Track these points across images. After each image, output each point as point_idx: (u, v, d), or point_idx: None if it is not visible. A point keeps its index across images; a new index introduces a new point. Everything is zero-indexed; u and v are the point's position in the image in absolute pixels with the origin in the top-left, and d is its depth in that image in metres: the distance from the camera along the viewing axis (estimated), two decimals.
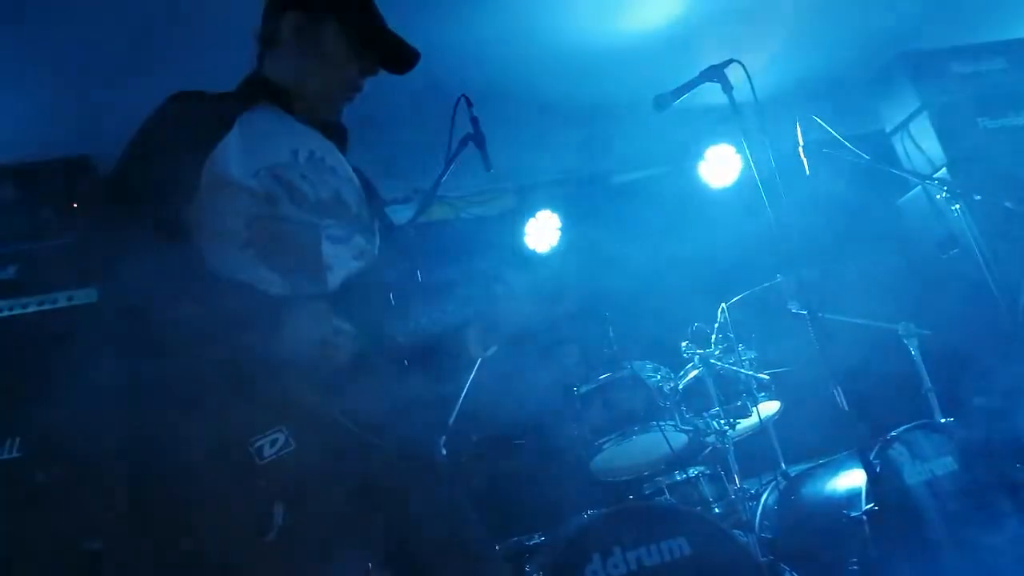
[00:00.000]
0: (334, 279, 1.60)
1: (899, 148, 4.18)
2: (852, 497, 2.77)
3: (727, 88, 2.68)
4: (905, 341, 3.35)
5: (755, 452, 3.58)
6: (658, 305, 3.92)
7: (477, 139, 2.43)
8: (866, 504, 2.68)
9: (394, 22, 1.90)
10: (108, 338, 1.45)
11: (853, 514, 2.71)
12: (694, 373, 3.38)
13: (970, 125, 3.95)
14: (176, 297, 1.38)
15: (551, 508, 3.24)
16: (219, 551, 1.29)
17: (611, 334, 3.58)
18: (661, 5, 3.76)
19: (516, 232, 4.68)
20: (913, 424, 2.99)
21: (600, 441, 3.22)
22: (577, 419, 3.34)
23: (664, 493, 3.31)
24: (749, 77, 2.64)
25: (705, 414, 3.31)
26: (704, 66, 2.73)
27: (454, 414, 2.91)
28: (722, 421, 3.25)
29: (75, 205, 2.89)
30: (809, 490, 3.15)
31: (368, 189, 1.89)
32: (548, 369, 3.53)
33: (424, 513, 1.53)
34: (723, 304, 3.47)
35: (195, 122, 1.58)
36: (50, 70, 3.22)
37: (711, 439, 3.31)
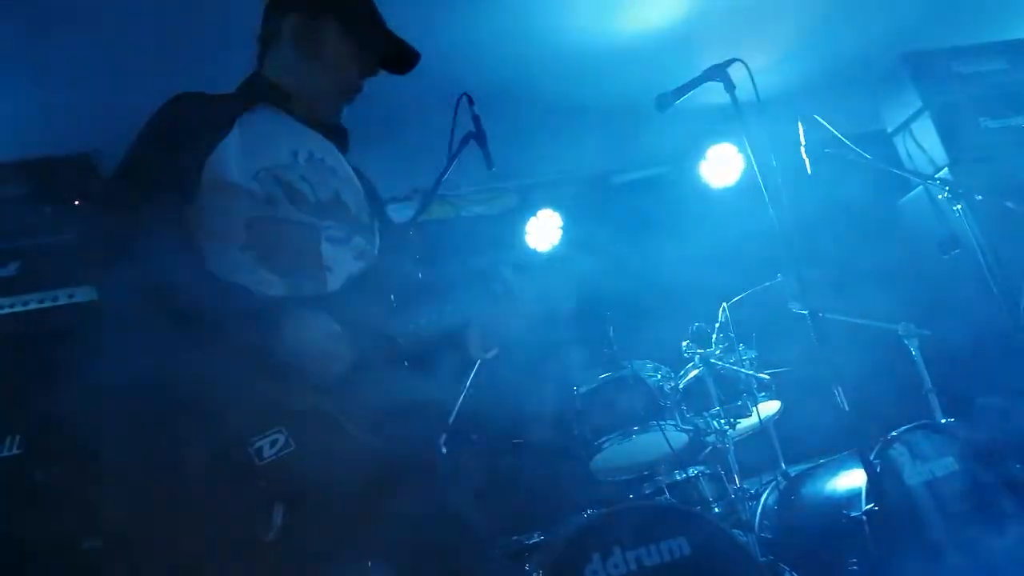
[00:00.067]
0: (334, 280, 1.60)
1: (901, 148, 4.18)
2: (852, 497, 2.77)
3: (729, 87, 2.67)
4: (906, 341, 3.35)
5: (755, 452, 3.58)
6: (659, 304, 3.92)
7: (479, 137, 2.43)
8: (866, 504, 2.68)
9: (396, 22, 1.90)
10: (108, 337, 1.45)
11: (853, 514, 2.71)
12: (694, 372, 3.38)
13: (972, 125, 3.94)
14: (176, 298, 1.38)
15: (551, 507, 3.24)
16: (219, 551, 1.29)
17: (611, 333, 3.58)
18: (663, 5, 3.76)
19: (517, 231, 4.68)
20: (913, 424, 2.99)
21: (600, 440, 3.22)
22: (577, 418, 3.34)
23: (664, 493, 3.31)
24: (752, 76, 2.64)
25: (705, 413, 3.31)
26: (706, 66, 2.72)
27: (454, 414, 2.91)
28: (722, 421, 3.25)
29: (77, 203, 2.88)
30: (809, 490, 3.15)
31: (368, 190, 1.89)
32: (548, 368, 3.52)
33: (424, 513, 1.53)
34: (724, 304, 3.47)
35: (196, 123, 1.58)
36: (53, 67, 3.23)
37: (711, 439, 3.31)
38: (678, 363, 3.48)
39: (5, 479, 2.47)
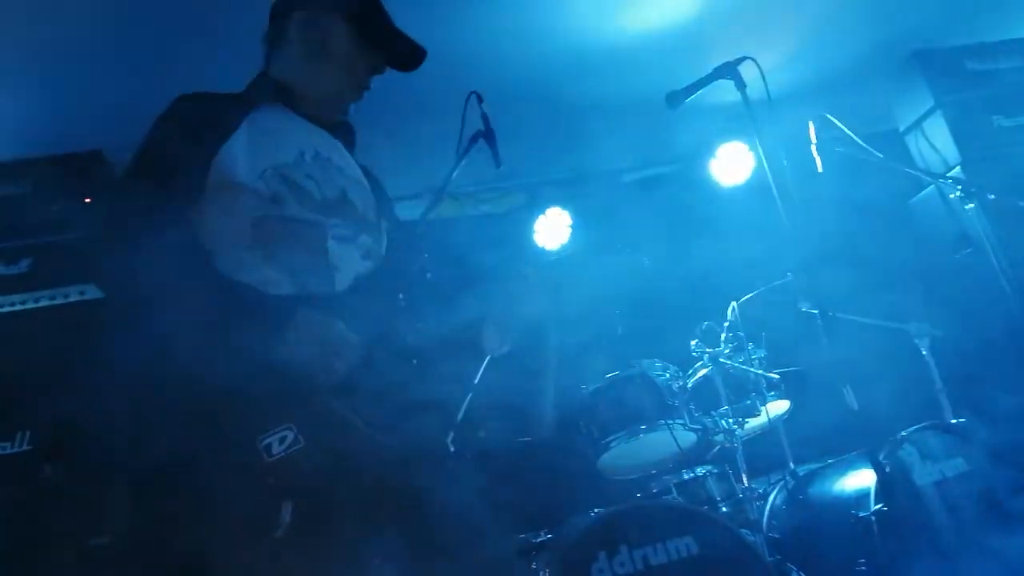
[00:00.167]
0: (342, 279, 1.61)
1: (913, 147, 4.15)
2: (861, 497, 2.76)
3: (740, 85, 2.66)
4: (916, 341, 3.33)
5: (763, 451, 3.57)
6: (668, 303, 3.91)
7: (488, 136, 2.42)
8: (875, 504, 2.67)
9: (406, 20, 1.90)
10: (117, 335, 1.46)
11: (862, 514, 2.70)
12: (703, 371, 3.37)
13: (985, 124, 3.91)
14: (183, 295, 1.39)
15: (558, 506, 3.24)
16: (227, 548, 1.30)
17: (620, 332, 3.57)
18: (674, 2, 3.74)
19: (526, 230, 4.68)
20: (923, 424, 2.98)
21: (608, 439, 3.22)
22: (585, 417, 3.33)
23: (672, 492, 3.30)
24: (763, 74, 2.63)
25: (714, 413, 3.30)
26: (717, 64, 2.72)
27: (462, 411, 2.91)
28: (731, 420, 3.24)
29: (88, 200, 2.90)
30: (817, 490, 3.14)
31: (376, 188, 1.89)
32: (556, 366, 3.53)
33: (432, 511, 1.53)
34: (733, 302, 3.46)
35: (202, 122, 1.58)
36: (64, 65, 3.24)
37: (719, 438, 3.30)
38: (687, 362, 3.47)
39: (14, 475, 2.49)
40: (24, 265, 2.80)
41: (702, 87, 2.74)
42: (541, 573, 2.64)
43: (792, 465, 3.48)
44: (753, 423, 3.34)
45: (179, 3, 3.06)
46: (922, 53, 4.04)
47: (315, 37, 1.78)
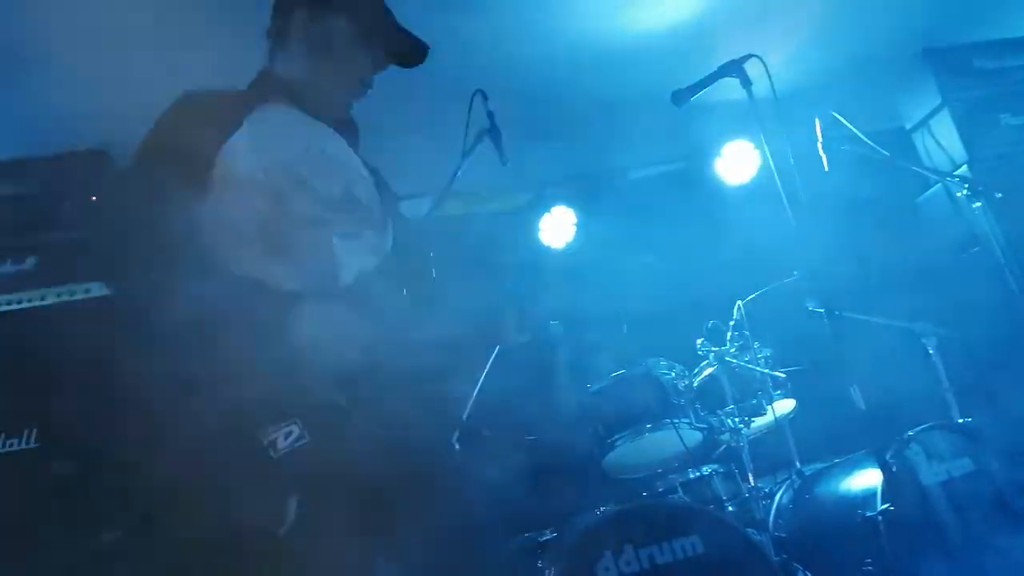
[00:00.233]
0: (346, 275, 1.61)
1: (919, 145, 4.14)
2: (867, 497, 2.75)
3: (746, 83, 2.66)
4: (923, 340, 3.33)
5: (770, 450, 3.56)
6: (673, 302, 3.90)
7: (493, 133, 2.42)
8: (881, 504, 2.66)
9: (411, 18, 1.89)
10: (123, 331, 1.46)
11: (868, 514, 2.69)
12: (709, 370, 3.37)
13: (992, 122, 3.90)
14: (188, 291, 1.39)
15: (563, 504, 3.23)
16: (233, 543, 1.30)
17: (625, 330, 3.57)
18: (680, 0, 3.73)
19: (531, 228, 4.67)
20: (930, 424, 2.96)
21: (613, 438, 3.21)
22: (591, 416, 3.33)
23: (677, 491, 3.29)
24: (768, 72, 2.62)
25: (720, 412, 3.29)
26: (722, 61, 2.71)
27: (467, 410, 2.91)
28: (737, 419, 3.23)
29: (93, 198, 2.90)
30: (824, 489, 3.13)
31: (381, 185, 1.89)
32: (561, 366, 3.52)
33: (435, 509, 1.53)
34: (739, 301, 3.45)
35: (206, 118, 1.59)
36: (68, 63, 3.24)
37: (725, 437, 3.30)
38: (692, 361, 3.46)
39: (22, 472, 2.50)
40: (30, 263, 2.81)
41: (707, 85, 2.73)
42: (547, 572, 2.64)
43: (798, 464, 3.47)
44: (759, 422, 3.34)
45: (182, 1, 3.06)
46: (929, 51, 4.03)
47: (318, 34, 1.78)
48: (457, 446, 2.39)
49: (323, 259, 1.59)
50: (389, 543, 1.51)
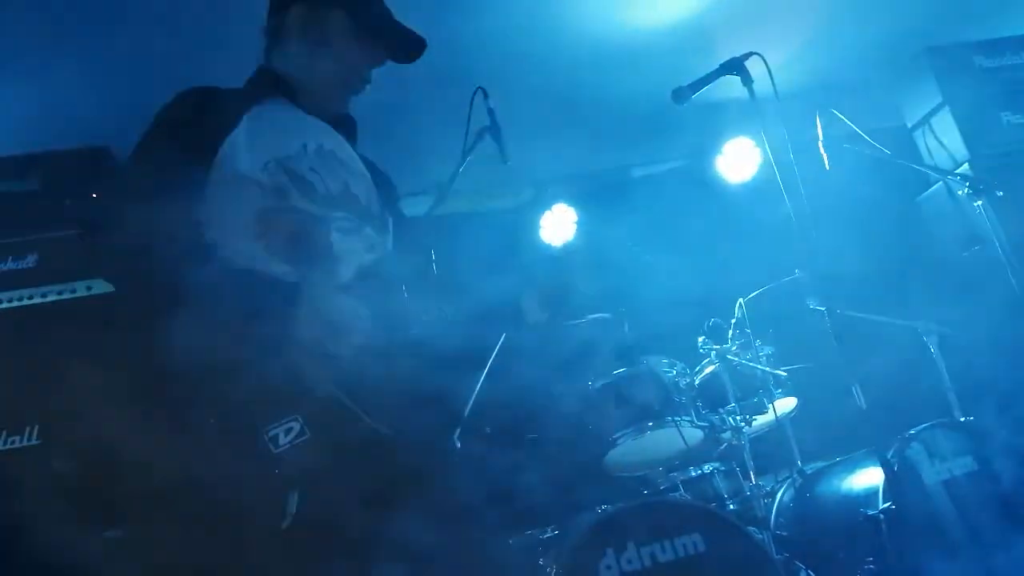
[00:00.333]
0: (345, 271, 1.61)
1: (921, 143, 4.13)
2: (869, 495, 2.75)
3: (747, 81, 2.65)
4: (925, 338, 3.32)
5: (771, 449, 3.56)
6: (675, 300, 3.90)
7: (494, 131, 2.42)
8: (883, 503, 2.66)
9: (411, 15, 1.89)
10: (123, 326, 1.46)
11: (870, 513, 2.69)
12: (710, 369, 3.36)
13: (993, 120, 3.90)
14: (189, 287, 1.39)
15: (565, 502, 3.23)
16: (234, 539, 1.30)
17: (627, 328, 3.56)
18: None
19: (532, 226, 4.67)
20: (932, 423, 2.96)
21: (615, 436, 3.21)
22: (592, 414, 3.32)
23: (679, 489, 3.29)
24: (769, 70, 2.62)
25: (721, 410, 3.29)
26: (724, 59, 2.70)
27: (468, 407, 2.91)
28: (738, 417, 3.23)
29: (95, 195, 2.90)
30: (825, 488, 3.13)
31: (381, 181, 1.89)
32: (562, 363, 3.52)
33: (436, 506, 1.53)
34: (740, 299, 3.45)
35: (205, 115, 1.59)
36: (71, 60, 3.25)
37: (727, 435, 3.30)
38: (694, 359, 3.46)
39: (23, 469, 2.50)
40: (31, 260, 2.81)
41: (709, 83, 2.73)
42: (548, 570, 2.64)
43: (800, 463, 3.47)
44: (761, 420, 3.34)
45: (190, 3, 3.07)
46: (930, 49, 4.02)
47: (315, 30, 1.78)
48: (458, 444, 2.39)
49: (322, 254, 1.60)
50: (388, 539, 1.51)
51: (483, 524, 1.61)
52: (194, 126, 1.57)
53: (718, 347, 3.36)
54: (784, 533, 3.14)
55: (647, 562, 2.53)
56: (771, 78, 2.59)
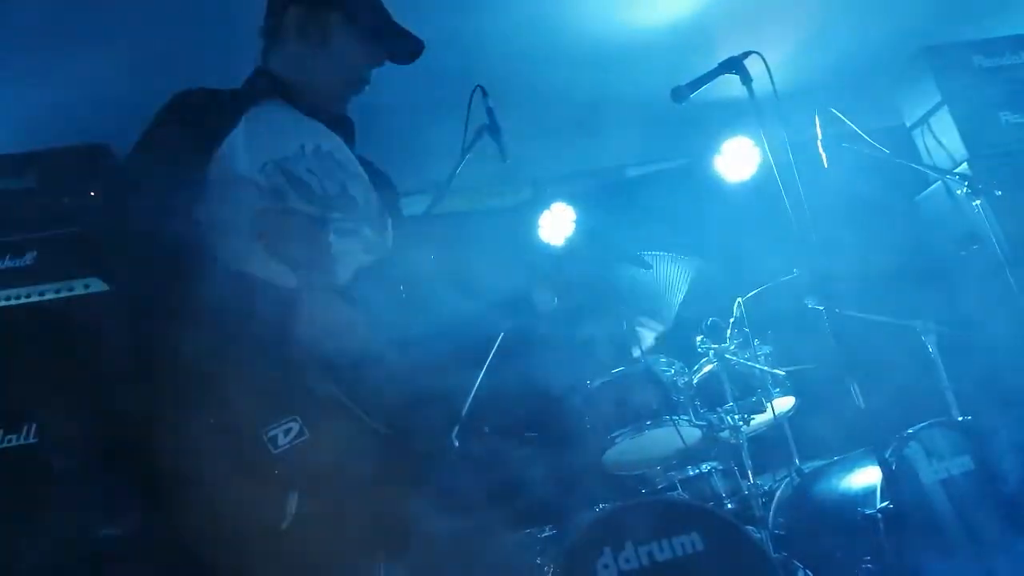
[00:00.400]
0: (343, 272, 1.61)
1: (919, 142, 4.14)
2: (867, 495, 2.76)
3: (746, 80, 2.65)
4: (923, 337, 3.33)
5: (769, 448, 3.56)
6: (674, 299, 3.89)
7: (493, 130, 2.41)
8: (881, 502, 2.66)
9: (410, 15, 1.89)
10: (121, 325, 1.46)
11: (868, 512, 2.69)
12: (709, 368, 3.36)
13: (992, 119, 3.90)
14: (187, 288, 1.39)
15: (563, 501, 3.23)
16: (234, 539, 1.30)
17: (624, 327, 3.56)
18: None
19: (531, 224, 4.67)
20: (930, 422, 2.97)
21: (613, 435, 3.21)
22: (590, 412, 3.33)
23: (677, 488, 3.29)
24: (768, 69, 2.61)
25: (719, 409, 3.29)
26: (723, 58, 2.70)
27: (467, 406, 2.91)
28: (736, 416, 3.23)
29: (93, 194, 2.90)
30: (823, 487, 3.13)
31: (380, 182, 1.89)
32: (561, 362, 3.52)
33: (435, 504, 1.53)
34: (739, 299, 3.45)
35: (202, 116, 1.59)
36: (71, 58, 3.24)
37: (725, 434, 3.30)
38: (692, 358, 3.46)
39: (22, 467, 2.50)
40: (29, 258, 2.81)
41: (707, 82, 2.72)
42: (546, 569, 2.64)
43: (798, 462, 3.47)
44: (759, 420, 3.33)
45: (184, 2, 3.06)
46: (929, 49, 4.03)
47: (313, 31, 1.78)
48: (456, 443, 2.40)
49: (320, 256, 1.59)
50: (388, 539, 1.51)
51: (481, 523, 1.62)
52: (192, 126, 1.57)
53: (716, 346, 3.36)
54: (782, 532, 3.14)
55: (645, 561, 2.53)
56: (770, 77, 2.59)
